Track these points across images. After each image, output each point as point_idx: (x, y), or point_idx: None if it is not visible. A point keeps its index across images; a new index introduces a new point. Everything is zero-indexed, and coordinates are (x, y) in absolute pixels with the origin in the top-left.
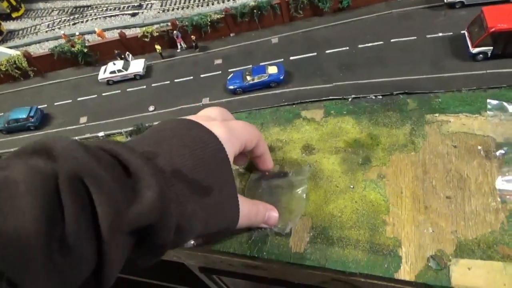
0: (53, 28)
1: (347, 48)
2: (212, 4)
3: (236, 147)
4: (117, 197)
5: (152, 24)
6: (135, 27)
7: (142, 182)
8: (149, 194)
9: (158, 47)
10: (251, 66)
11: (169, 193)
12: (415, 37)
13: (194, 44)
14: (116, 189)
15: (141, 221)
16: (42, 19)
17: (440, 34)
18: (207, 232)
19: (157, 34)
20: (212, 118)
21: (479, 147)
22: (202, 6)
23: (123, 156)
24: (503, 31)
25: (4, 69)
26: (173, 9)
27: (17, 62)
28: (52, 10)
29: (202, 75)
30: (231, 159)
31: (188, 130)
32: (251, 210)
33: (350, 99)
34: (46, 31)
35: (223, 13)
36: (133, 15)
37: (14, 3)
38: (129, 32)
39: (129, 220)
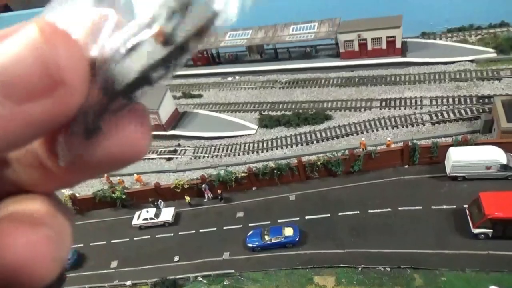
0: None
1: (358, 212)
2: (238, 155)
3: None
4: None
5: (184, 170)
6: (169, 172)
7: None
8: None
9: (187, 198)
10: (269, 224)
11: None
12: (421, 207)
13: (219, 197)
14: None
15: None
16: None
17: (444, 207)
18: None
19: (188, 186)
20: None
21: None
22: (229, 156)
23: None
24: (500, 218)
25: None
26: (203, 157)
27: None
28: None
29: (224, 227)
30: None
31: None
32: None
33: (360, 269)
34: None
35: (247, 171)
36: (169, 159)
37: None
38: (162, 176)
39: None
